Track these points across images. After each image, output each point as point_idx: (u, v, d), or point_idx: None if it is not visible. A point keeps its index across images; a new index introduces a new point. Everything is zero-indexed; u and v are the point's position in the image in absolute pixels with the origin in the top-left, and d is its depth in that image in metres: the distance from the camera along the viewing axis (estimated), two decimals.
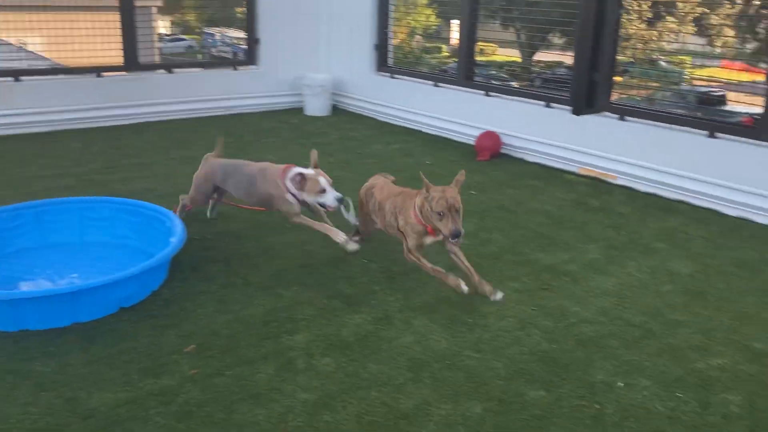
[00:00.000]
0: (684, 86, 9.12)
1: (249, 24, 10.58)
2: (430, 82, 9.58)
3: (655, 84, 8.75)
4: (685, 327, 4.15)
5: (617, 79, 7.59)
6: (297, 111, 10.83)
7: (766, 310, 4.38)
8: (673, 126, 6.86)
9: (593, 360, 3.80)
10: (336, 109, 10.96)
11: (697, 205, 6.51)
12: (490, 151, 8.04)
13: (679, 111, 7.43)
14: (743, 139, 6.31)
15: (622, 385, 3.57)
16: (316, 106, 10.65)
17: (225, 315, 4.26)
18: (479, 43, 9.28)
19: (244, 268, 4.92)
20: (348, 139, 9.16)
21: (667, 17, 10.17)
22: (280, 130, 9.54)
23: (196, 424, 3.25)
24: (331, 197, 4.63)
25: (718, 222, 6.12)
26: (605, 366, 3.74)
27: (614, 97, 7.45)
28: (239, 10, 11.14)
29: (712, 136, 6.51)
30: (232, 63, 10.99)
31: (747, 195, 6.17)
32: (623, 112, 7.27)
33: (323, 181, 4.63)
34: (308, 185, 4.65)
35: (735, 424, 3.27)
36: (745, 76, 8.31)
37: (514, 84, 10.78)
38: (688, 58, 9.50)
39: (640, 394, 3.48)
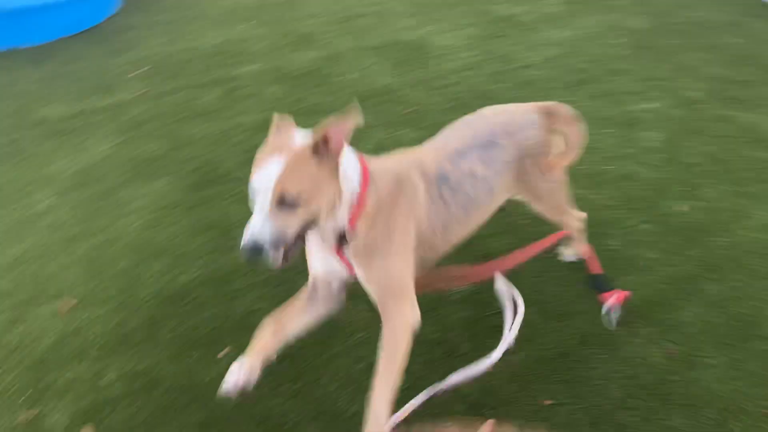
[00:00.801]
0: None
1: None
2: None
3: None
4: (626, 75, 4.26)
5: None
6: None
7: (708, 65, 4.46)
8: None
9: (531, 98, 3.94)
10: None
11: None
12: None
13: None
14: None
15: None
16: None
17: (178, 44, 4.28)
18: None
19: (202, 2, 4.86)
20: None
21: None
22: None
23: (142, 134, 3.43)
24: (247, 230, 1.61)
25: None
26: None
27: None
28: None
29: None
30: None
31: None
32: None
33: (254, 182, 1.63)
34: None
35: (652, 155, 3.50)
36: None
37: None
38: None
39: None
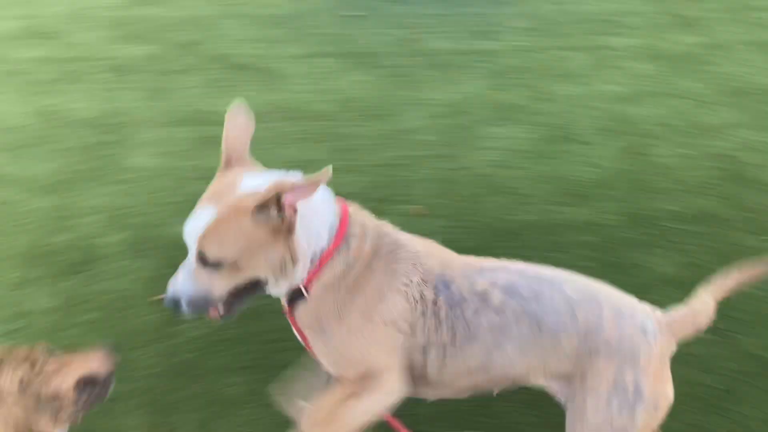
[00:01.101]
0: None
1: None
2: None
3: None
4: None
5: None
6: None
7: None
8: None
9: None
10: None
11: None
12: None
13: None
14: None
15: None
16: None
17: (560, 5, 4.49)
18: None
19: None
20: None
21: None
22: None
23: (509, 82, 3.72)
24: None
25: None
26: None
27: None
28: None
29: None
30: None
31: None
32: None
33: (184, 230, 1.43)
34: None
35: None
36: None
37: None
38: None
39: None
